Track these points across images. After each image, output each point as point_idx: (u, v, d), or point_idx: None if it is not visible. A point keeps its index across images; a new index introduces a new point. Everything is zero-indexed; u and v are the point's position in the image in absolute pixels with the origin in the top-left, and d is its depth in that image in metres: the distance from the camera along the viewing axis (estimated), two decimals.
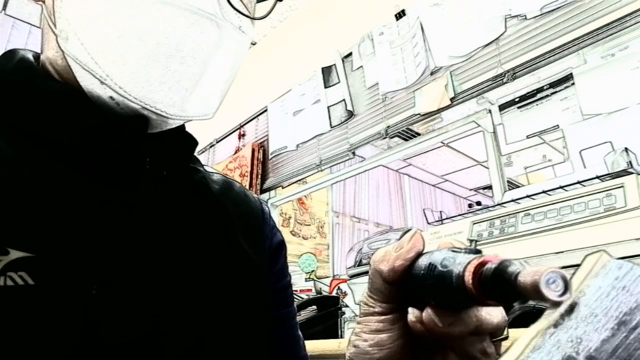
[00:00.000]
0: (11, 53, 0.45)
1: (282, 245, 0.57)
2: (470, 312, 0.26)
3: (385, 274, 0.29)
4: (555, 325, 0.20)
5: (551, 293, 0.19)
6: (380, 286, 0.30)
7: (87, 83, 0.40)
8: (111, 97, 0.40)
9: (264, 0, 0.50)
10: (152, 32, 0.39)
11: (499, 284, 0.22)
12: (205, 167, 0.55)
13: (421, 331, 0.28)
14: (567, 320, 0.20)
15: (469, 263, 0.24)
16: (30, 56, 0.45)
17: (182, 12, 0.40)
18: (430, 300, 0.27)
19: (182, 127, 0.49)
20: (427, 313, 0.27)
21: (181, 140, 0.49)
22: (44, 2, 0.43)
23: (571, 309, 0.20)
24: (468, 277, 0.23)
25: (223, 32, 0.43)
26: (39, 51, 0.47)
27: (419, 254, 0.29)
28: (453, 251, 0.26)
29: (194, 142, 0.51)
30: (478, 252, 0.25)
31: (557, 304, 0.20)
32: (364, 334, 0.30)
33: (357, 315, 1.53)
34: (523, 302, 0.21)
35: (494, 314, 0.27)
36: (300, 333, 0.56)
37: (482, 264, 0.23)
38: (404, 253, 0.29)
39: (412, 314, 0.29)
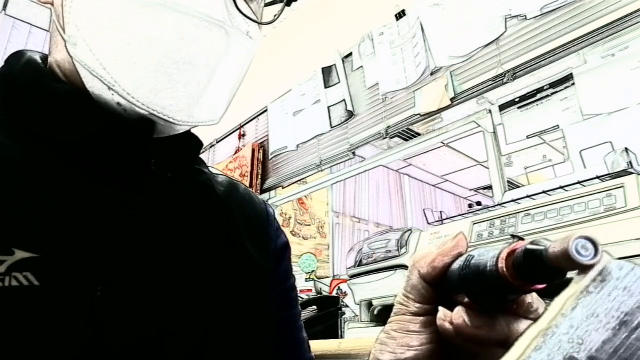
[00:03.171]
0: (19, 54, 0.45)
1: (286, 247, 0.57)
2: (502, 320, 0.26)
3: (423, 271, 0.29)
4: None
5: (582, 258, 0.19)
6: (417, 283, 0.29)
7: (95, 88, 0.40)
8: (118, 103, 0.40)
9: (271, 4, 0.50)
10: (161, 39, 0.39)
11: (531, 263, 0.22)
12: (210, 169, 0.55)
13: (448, 332, 0.27)
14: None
15: (502, 250, 0.24)
16: (37, 57, 0.45)
17: (191, 19, 0.39)
18: (465, 296, 0.26)
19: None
20: (457, 310, 0.26)
21: (186, 142, 0.49)
22: (52, 4, 0.43)
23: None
24: (501, 262, 0.23)
25: (231, 39, 0.42)
26: (39, 51, 0.47)
27: (460, 255, 0.28)
28: (491, 246, 0.26)
29: (199, 144, 0.51)
30: None
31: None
32: (393, 332, 0.30)
33: (356, 315, 1.52)
34: (558, 278, 0.21)
35: None
36: (305, 335, 0.55)
37: (515, 249, 0.23)
38: (446, 250, 0.28)
39: (441, 312, 0.28)
